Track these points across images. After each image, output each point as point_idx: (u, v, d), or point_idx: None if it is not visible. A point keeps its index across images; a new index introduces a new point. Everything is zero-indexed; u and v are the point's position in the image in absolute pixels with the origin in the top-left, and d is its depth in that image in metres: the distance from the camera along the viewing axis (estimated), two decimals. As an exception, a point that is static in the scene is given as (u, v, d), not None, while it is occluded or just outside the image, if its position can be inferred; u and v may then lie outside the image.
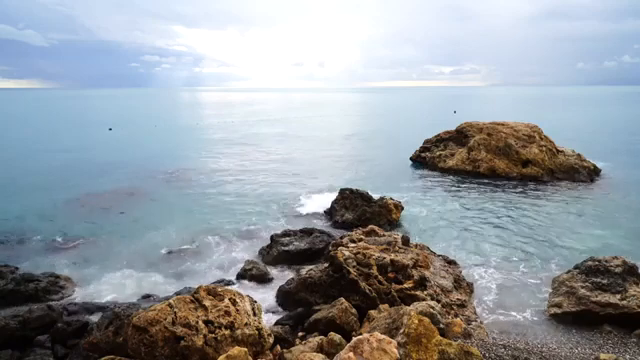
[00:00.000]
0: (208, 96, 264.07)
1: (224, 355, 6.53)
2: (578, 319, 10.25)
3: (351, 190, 19.10)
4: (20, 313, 10.26)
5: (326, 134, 53.20)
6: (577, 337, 9.65)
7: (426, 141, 32.75)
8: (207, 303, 8.01)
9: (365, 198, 18.63)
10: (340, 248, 11.91)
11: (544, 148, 26.42)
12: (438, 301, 10.19)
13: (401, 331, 6.81)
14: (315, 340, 8.05)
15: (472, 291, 11.95)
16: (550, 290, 11.53)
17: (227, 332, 7.56)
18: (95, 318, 10.14)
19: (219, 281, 12.89)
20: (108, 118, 79.47)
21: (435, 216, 19.26)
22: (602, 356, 7.72)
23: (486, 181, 25.16)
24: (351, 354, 6.19)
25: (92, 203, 22.02)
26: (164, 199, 22.98)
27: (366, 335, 6.54)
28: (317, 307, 10.30)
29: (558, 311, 10.59)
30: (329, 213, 19.37)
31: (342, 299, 9.80)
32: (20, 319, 9.98)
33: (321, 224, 18.26)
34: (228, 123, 69.29)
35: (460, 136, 29.74)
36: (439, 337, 6.75)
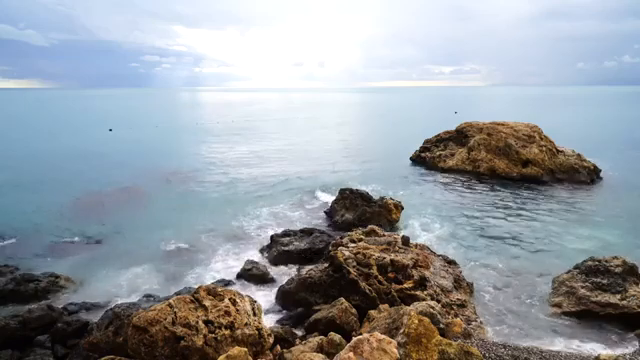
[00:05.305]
0: (208, 96, 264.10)
1: (224, 355, 6.53)
2: (578, 319, 10.26)
3: (351, 190, 19.10)
4: (20, 313, 10.29)
5: (326, 134, 53.21)
6: (577, 337, 9.65)
7: (426, 141, 32.76)
8: (207, 303, 8.01)
9: (365, 198, 18.62)
10: (340, 248, 11.92)
11: (544, 148, 26.41)
12: (438, 301, 10.19)
13: (401, 331, 6.81)
14: (315, 340, 8.04)
15: (472, 291, 11.94)
16: (550, 290, 11.54)
17: (227, 332, 7.56)
18: (95, 318, 10.14)
19: (219, 281, 12.89)
20: (108, 118, 79.46)
21: (435, 216, 19.25)
22: (602, 356, 7.71)
23: (486, 181, 25.16)
24: (351, 354, 6.19)
25: (92, 203, 22.02)
26: (164, 199, 22.98)
27: (366, 335, 6.53)
28: (317, 307, 10.31)
29: (558, 311, 10.60)
30: (329, 213, 19.37)
31: (342, 299, 9.80)
32: (20, 319, 10.00)
33: (321, 224, 18.25)
34: (228, 123, 69.30)
35: (460, 136, 29.75)
36: (439, 337, 6.75)
